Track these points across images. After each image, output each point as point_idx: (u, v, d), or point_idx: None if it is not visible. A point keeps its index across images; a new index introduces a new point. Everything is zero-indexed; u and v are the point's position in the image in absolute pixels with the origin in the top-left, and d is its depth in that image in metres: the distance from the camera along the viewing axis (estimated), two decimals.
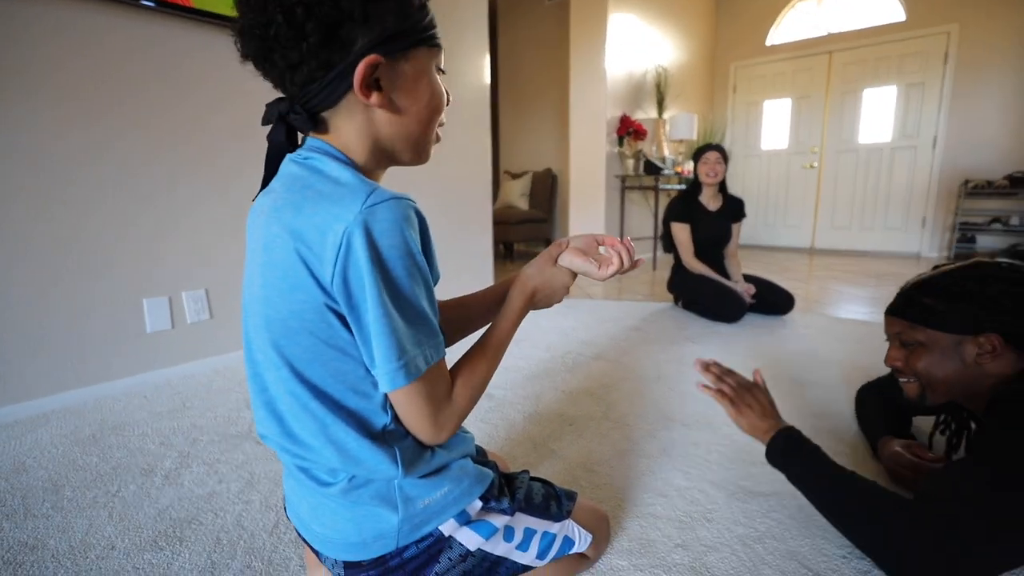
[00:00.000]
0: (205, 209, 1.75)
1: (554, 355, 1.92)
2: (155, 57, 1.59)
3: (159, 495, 1.04)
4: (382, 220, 0.48)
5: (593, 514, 0.81)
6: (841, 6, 5.07)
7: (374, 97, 0.52)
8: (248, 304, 0.58)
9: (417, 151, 0.60)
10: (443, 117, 0.61)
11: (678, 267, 2.64)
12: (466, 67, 2.73)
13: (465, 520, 0.64)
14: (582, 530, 0.76)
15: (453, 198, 2.74)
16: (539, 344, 2.05)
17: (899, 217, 4.95)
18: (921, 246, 4.81)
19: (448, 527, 0.62)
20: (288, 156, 0.56)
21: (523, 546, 0.68)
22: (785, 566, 0.82)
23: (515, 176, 5.11)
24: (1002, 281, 0.79)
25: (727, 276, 2.55)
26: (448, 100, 0.61)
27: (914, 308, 0.86)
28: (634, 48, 4.20)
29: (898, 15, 4.77)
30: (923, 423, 1.25)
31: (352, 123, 0.54)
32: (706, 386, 0.97)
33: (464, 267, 2.84)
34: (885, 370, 1.30)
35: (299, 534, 0.66)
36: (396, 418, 0.57)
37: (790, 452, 0.87)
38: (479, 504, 0.65)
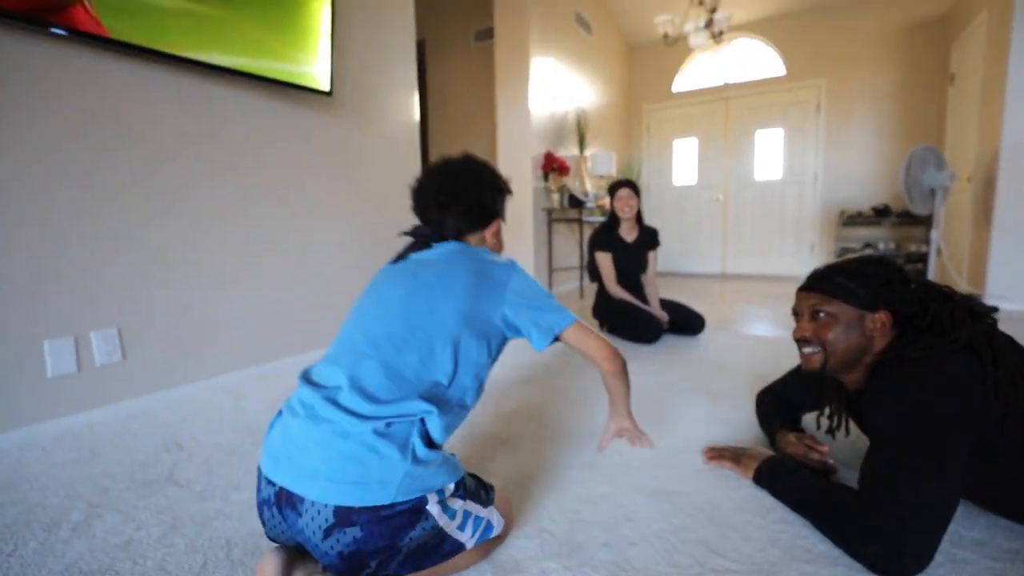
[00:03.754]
0: (119, 242, 1.67)
1: (488, 381, 1.97)
2: (71, 85, 1.53)
3: (66, 549, 0.97)
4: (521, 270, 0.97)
5: (506, 502, 0.96)
6: (734, 59, 5.74)
7: (490, 237, 1.07)
8: (400, 299, 0.90)
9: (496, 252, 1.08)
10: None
11: (601, 294, 2.82)
12: (396, 104, 2.82)
13: (441, 498, 0.75)
14: (499, 516, 0.88)
15: (387, 233, 2.77)
16: None
17: (792, 243, 5.54)
18: (812, 269, 5.40)
19: (431, 499, 0.74)
20: (444, 243, 1.00)
21: (462, 526, 0.79)
22: (694, 551, 0.91)
23: None
24: (890, 269, 1.00)
25: (646, 301, 2.75)
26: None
27: (830, 284, 1.03)
28: (555, 89, 4.50)
29: (780, 70, 5.48)
30: (808, 420, 1.44)
31: (477, 239, 1.06)
32: (713, 459, 1.26)
33: None
34: (781, 375, 1.48)
35: (271, 487, 0.72)
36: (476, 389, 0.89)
37: (772, 474, 1.10)
38: (452, 488, 0.78)
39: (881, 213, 4.86)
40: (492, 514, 0.86)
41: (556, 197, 4.42)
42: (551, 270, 4.49)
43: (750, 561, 0.89)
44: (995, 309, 0.95)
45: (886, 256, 1.06)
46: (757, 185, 5.67)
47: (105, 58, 1.62)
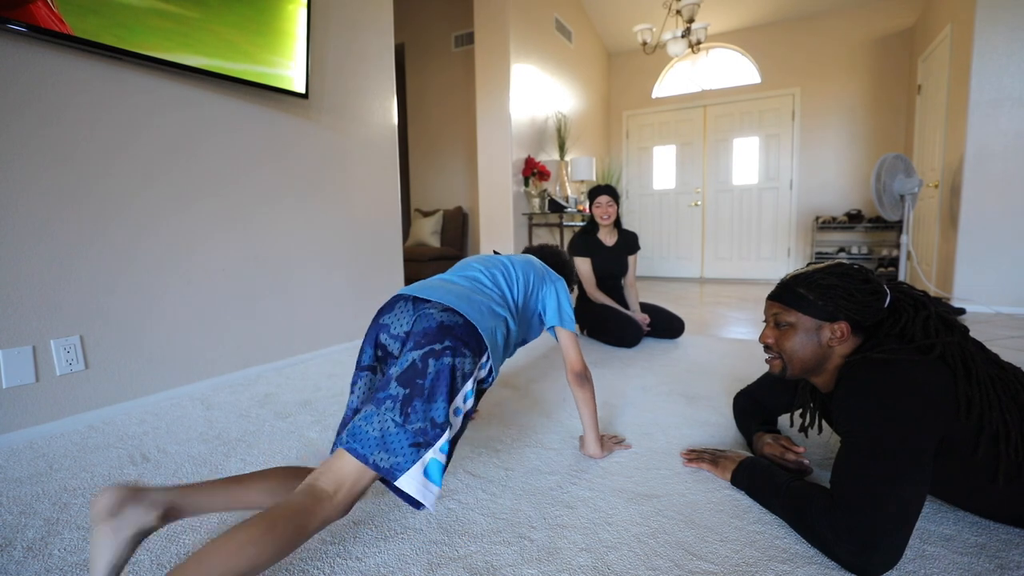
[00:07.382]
0: (84, 248, 1.61)
1: None
2: (25, 84, 1.48)
3: (19, 570, 0.92)
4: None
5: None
6: (711, 67, 5.85)
7: None
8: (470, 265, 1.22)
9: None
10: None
11: (582, 299, 2.82)
12: (374, 108, 2.79)
13: (468, 368, 0.93)
14: (433, 486, 0.85)
15: (363, 237, 2.73)
16: None
17: (770, 248, 5.65)
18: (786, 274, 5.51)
19: (461, 353, 0.93)
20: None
21: (458, 412, 0.91)
22: (673, 555, 0.91)
23: (426, 214, 5.17)
24: (854, 280, 0.99)
25: (627, 305, 2.76)
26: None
27: (790, 295, 1.03)
28: (536, 95, 4.52)
29: (755, 78, 5.60)
30: (784, 421, 1.45)
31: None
32: (692, 461, 1.26)
33: (374, 303, 2.81)
34: (757, 377, 1.49)
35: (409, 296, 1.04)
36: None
37: (749, 475, 1.11)
38: (471, 380, 0.94)
39: (854, 218, 4.99)
40: (442, 457, 0.86)
41: (536, 202, 4.43)
42: None
43: (728, 562, 0.89)
44: (962, 311, 0.97)
45: (853, 265, 1.05)
46: (735, 190, 5.78)
47: (68, 58, 1.56)
